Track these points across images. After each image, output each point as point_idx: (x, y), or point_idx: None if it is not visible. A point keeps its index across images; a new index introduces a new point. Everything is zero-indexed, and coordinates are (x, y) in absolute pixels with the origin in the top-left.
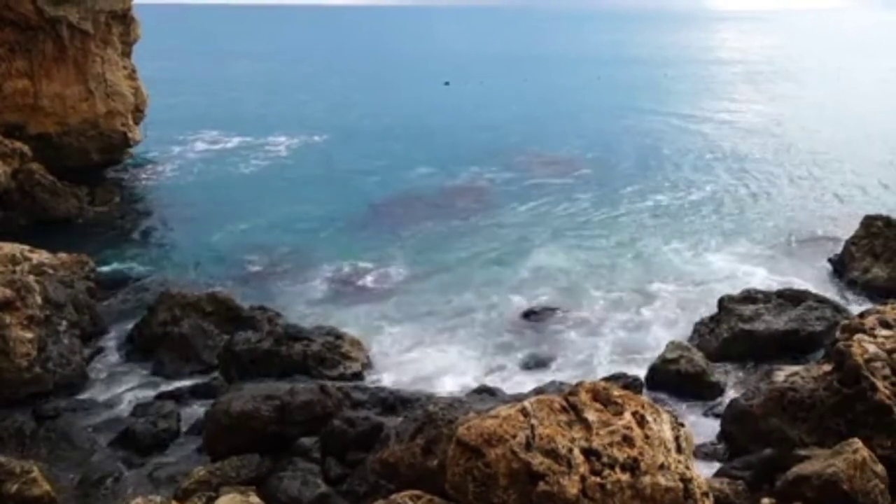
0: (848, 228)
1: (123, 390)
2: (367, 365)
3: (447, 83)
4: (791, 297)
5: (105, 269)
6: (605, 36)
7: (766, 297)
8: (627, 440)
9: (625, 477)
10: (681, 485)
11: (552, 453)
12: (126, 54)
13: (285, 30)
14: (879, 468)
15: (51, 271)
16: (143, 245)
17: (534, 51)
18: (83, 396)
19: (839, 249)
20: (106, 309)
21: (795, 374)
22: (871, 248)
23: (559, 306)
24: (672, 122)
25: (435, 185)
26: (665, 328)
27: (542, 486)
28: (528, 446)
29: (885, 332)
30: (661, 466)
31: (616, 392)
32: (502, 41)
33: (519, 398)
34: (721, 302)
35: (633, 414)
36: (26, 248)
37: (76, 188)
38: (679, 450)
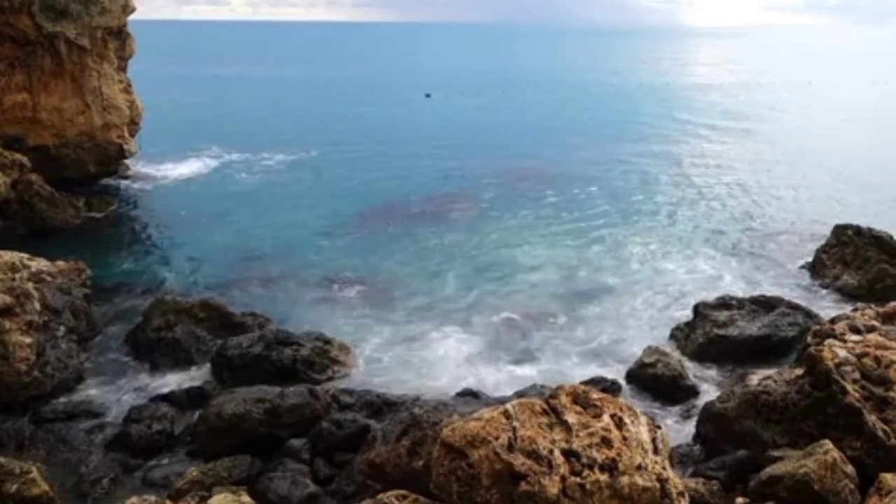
0: (819, 237)
1: (119, 394)
2: (355, 369)
3: (428, 95)
4: (764, 304)
5: (101, 276)
6: (582, 51)
7: (741, 303)
8: (606, 442)
9: (603, 477)
10: (658, 485)
11: (533, 454)
12: (122, 69)
13: (272, 46)
14: (849, 469)
15: (49, 278)
16: (137, 253)
17: (512, 65)
18: (80, 400)
19: (811, 257)
20: (102, 315)
21: (768, 377)
22: (841, 256)
23: (540, 311)
24: (648, 133)
25: (419, 194)
26: (642, 333)
27: (523, 486)
28: (510, 447)
29: (854, 338)
30: (639, 467)
31: (595, 395)
32: (482, 55)
33: (501, 401)
34: (697, 308)
35: (612, 416)
36: (25, 256)
37: (73, 198)
38: (656, 451)
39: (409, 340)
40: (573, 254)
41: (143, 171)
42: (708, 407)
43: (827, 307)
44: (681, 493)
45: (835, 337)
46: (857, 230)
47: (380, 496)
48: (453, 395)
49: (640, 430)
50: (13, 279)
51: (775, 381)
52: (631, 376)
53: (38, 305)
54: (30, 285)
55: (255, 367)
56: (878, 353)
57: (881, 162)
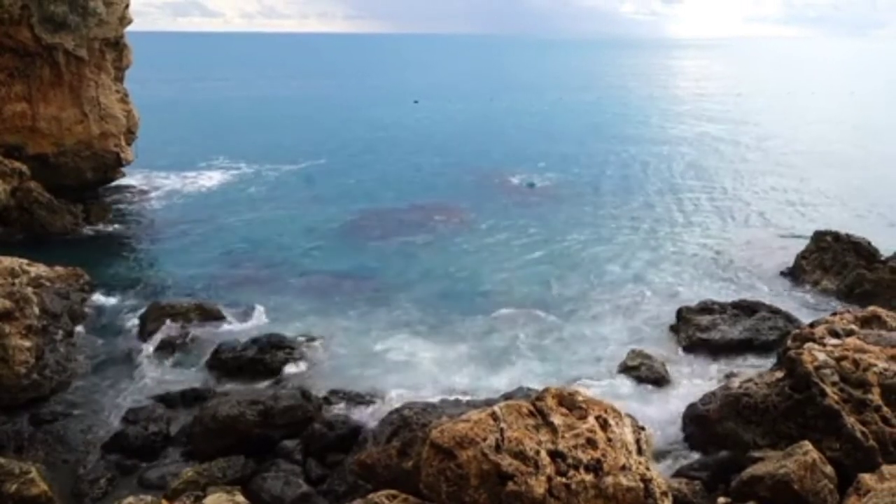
0: (799, 243)
1: (116, 396)
2: (345, 371)
3: (416, 101)
4: (745, 308)
5: (99, 281)
6: (568, 62)
7: (722, 307)
8: (591, 443)
9: (589, 477)
10: (641, 485)
11: (520, 455)
12: (119, 79)
13: (268, 58)
14: (828, 469)
15: (48, 283)
16: (134, 258)
17: (500, 74)
18: (78, 402)
19: (791, 263)
20: (99, 319)
21: (749, 380)
22: (820, 262)
23: (526, 317)
24: (630, 143)
25: (406, 202)
26: (627, 337)
27: (510, 486)
28: (497, 448)
29: (833, 341)
30: (623, 467)
31: (580, 397)
32: (470, 65)
33: (489, 403)
34: (680, 312)
35: (597, 418)
36: (25, 261)
37: (72, 205)
38: (640, 451)
39: (397, 343)
40: (555, 262)
41: (141, 179)
42: (690, 409)
43: (807, 311)
44: (664, 493)
45: (814, 340)
46: (836, 236)
47: (370, 496)
48: (442, 396)
49: (625, 432)
50: (13, 284)
51: (756, 384)
52: (615, 378)
53: (37, 310)
54: (29, 290)
55: (249, 370)
56: (857, 356)
57: (859, 170)
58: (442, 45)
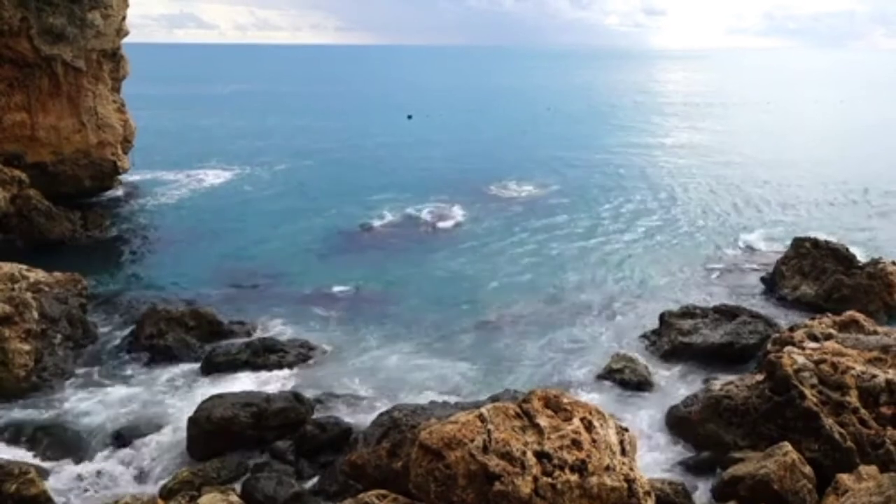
0: (778, 249)
1: (114, 398)
2: (337, 374)
3: (410, 117)
4: (726, 313)
5: (96, 286)
6: (553, 73)
7: (704, 312)
8: (576, 444)
9: (574, 478)
10: (625, 485)
11: (507, 456)
12: (116, 89)
13: (262, 69)
14: (807, 469)
15: (46, 289)
16: (131, 264)
17: (489, 85)
18: (76, 404)
19: (770, 268)
20: (97, 323)
21: (730, 382)
22: (800, 268)
23: (514, 322)
24: (617, 152)
25: (400, 213)
26: (611, 340)
27: (498, 485)
28: (485, 449)
29: (812, 345)
30: (607, 468)
31: (566, 399)
32: (460, 77)
33: (476, 405)
34: (662, 317)
35: (582, 420)
36: (24, 267)
37: (70, 212)
38: (624, 452)
39: (388, 347)
40: (543, 268)
41: (139, 186)
42: (673, 411)
43: (786, 316)
44: (647, 493)
45: (794, 344)
46: (815, 242)
47: (361, 496)
48: (430, 399)
49: (609, 433)
50: (12, 289)
51: (737, 386)
52: (600, 381)
53: (36, 314)
54: (28, 295)
55: (242, 372)
56: (835, 359)
57: (838, 177)
58: (432, 56)
